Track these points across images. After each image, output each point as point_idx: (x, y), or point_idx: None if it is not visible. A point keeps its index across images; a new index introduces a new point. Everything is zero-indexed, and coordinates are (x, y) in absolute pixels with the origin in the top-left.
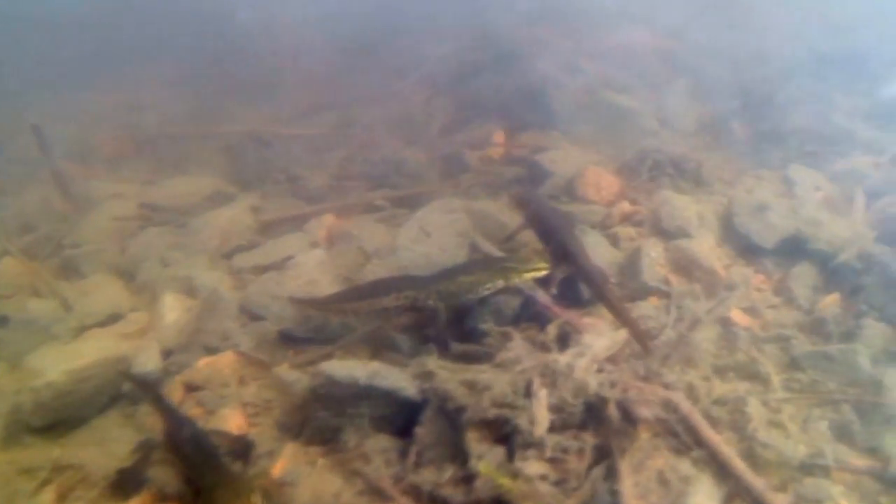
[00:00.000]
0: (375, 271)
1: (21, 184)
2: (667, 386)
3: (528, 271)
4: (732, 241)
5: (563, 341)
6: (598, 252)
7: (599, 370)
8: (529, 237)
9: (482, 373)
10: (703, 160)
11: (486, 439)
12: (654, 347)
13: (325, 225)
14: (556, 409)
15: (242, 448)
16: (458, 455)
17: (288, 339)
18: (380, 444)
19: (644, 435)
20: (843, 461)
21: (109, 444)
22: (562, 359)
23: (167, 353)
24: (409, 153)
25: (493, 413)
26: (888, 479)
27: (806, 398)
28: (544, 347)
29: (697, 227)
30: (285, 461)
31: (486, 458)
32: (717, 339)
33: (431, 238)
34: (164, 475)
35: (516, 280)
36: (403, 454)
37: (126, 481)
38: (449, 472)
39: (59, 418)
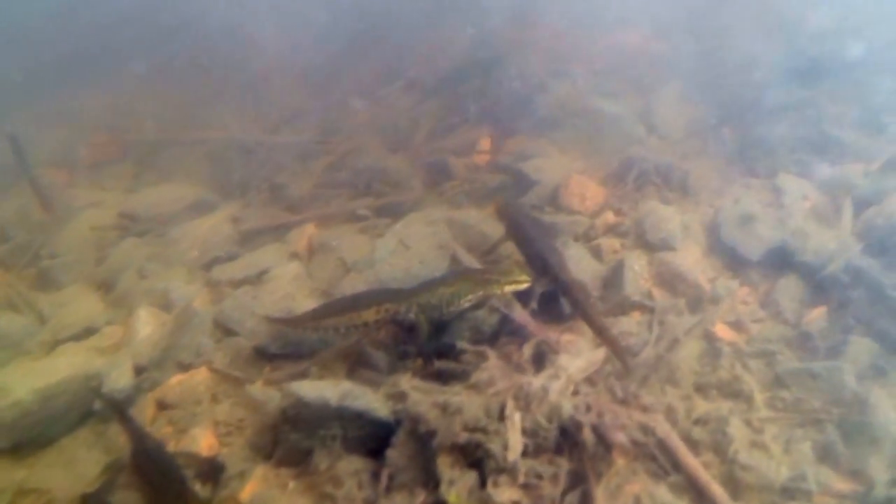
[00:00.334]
0: (354, 285)
1: None
2: (645, 408)
3: (509, 283)
4: (718, 252)
5: (540, 361)
6: (581, 265)
7: (575, 392)
8: (512, 249)
9: (455, 395)
10: (691, 169)
11: (458, 464)
12: (634, 366)
13: (305, 235)
14: (529, 433)
15: (212, 470)
16: (430, 479)
17: (263, 355)
18: (352, 466)
19: (620, 460)
20: (825, 485)
21: (77, 466)
22: (536, 381)
23: (140, 369)
24: (392, 161)
25: (464, 437)
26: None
27: (789, 418)
28: (519, 368)
29: (682, 239)
30: (256, 484)
31: (456, 485)
32: (701, 355)
33: (411, 250)
34: (129, 500)
35: (497, 291)
36: (376, 476)
37: None
38: (420, 497)
39: (26, 438)
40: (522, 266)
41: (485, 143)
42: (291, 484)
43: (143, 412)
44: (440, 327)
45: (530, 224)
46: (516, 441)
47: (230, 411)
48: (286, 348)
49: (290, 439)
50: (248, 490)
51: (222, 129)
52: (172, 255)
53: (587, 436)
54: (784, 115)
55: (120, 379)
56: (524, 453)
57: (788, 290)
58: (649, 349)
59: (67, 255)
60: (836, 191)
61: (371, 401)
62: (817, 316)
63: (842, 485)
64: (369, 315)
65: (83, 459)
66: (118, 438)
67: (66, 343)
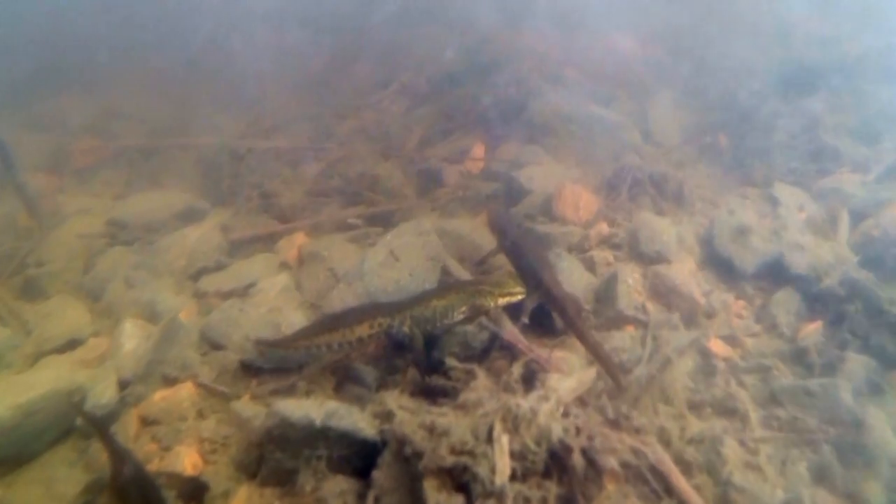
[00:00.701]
0: (343, 297)
1: None
2: (637, 430)
3: (503, 295)
4: (713, 264)
5: (530, 381)
6: (574, 278)
7: (565, 414)
8: (504, 260)
9: (442, 415)
10: (686, 178)
11: (444, 487)
12: (626, 384)
13: (295, 244)
14: (518, 456)
15: (196, 490)
16: (417, 502)
17: (250, 369)
18: (338, 487)
19: (610, 485)
20: None
21: (56, 485)
22: (524, 403)
23: (124, 383)
24: (384, 168)
25: (451, 460)
26: None
27: (785, 437)
28: (508, 388)
29: (677, 251)
30: None
31: None
32: (694, 371)
33: (401, 262)
34: None
35: (491, 303)
36: (362, 498)
37: None
38: None
39: (4, 455)
40: (516, 277)
41: (478, 150)
42: None
43: (127, 428)
44: (430, 342)
45: (522, 236)
46: (504, 464)
47: (216, 428)
48: (273, 363)
49: (275, 459)
50: None
51: (213, 134)
52: (160, 264)
53: (577, 460)
54: (780, 122)
55: (103, 394)
56: (512, 477)
57: (784, 303)
58: (642, 366)
59: (54, 264)
60: (833, 201)
61: (357, 420)
62: (813, 330)
63: None
64: (363, 330)
65: (63, 478)
66: (100, 456)
67: (49, 355)
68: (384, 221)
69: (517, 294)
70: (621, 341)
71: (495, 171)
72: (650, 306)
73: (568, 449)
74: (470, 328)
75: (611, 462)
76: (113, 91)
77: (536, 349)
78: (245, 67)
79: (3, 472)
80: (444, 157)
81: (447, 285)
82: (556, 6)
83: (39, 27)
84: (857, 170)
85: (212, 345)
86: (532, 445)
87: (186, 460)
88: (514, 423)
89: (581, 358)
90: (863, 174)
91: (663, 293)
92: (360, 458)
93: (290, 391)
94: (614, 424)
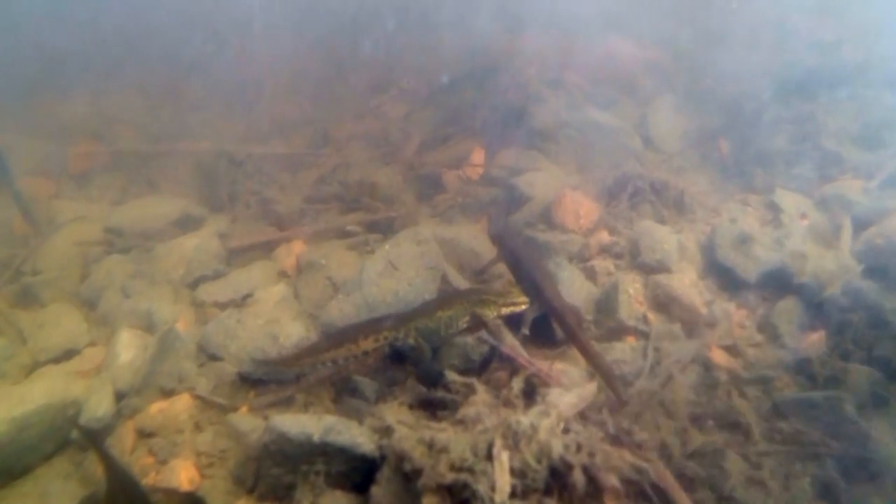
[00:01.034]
0: (341, 307)
1: None
2: (638, 445)
3: (507, 304)
4: (715, 274)
5: (530, 395)
6: (574, 288)
7: (566, 430)
8: (504, 269)
9: (442, 431)
10: (687, 185)
11: None
12: (627, 396)
13: (293, 252)
14: (518, 473)
15: None
16: None
17: (247, 381)
18: (336, 503)
19: (611, 502)
20: None
21: (50, 499)
22: (524, 419)
23: (120, 395)
24: (383, 174)
25: (450, 477)
26: None
27: (788, 451)
28: (508, 403)
29: (678, 260)
30: None
31: None
32: (696, 383)
33: (399, 271)
34: None
35: (495, 313)
36: None
37: None
38: None
39: None
40: (518, 286)
41: (478, 156)
42: None
43: (123, 440)
44: (425, 355)
45: (522, 247)
46: (504, 482)
47: (213, 441)
48: (271, 374)
49: (272, 474)
50: None
51: (212, 139)
52: (157, 272)
53: (577, 477)
54: (782, 128)
55: (99, 406)
56: (512, 494)
57: (786, 313)
58: (643, 379)
59: (50, 272)
60: (835, 208)
61: (355, 435)
62: (816, 340)
63: None
64: (368, 344)
65: (57, 492)
66: (96, 469)
67: (45, 366)
68: (384, 228)
69: (521, 304)
70: (622, 353)
71: (495, 177)
72: (651, 316)
73: (569, 466)
74: (469, 340)
75: (611, 479)
76: (111, 95)
77: (537, 362)
78: (244, 72)
79: None
80: (443, 162)
81: (450, 295)
82: (556, 11)
83: (36, 30)
84: (860, 176)
85: (209, 356)
86: (532, 462)
87: (183, 474)
88: (514, 440)
89: (582, 370)
90: (866, 181)
91: (664, 303)
92: (358, 474)
93: (287, 403)
94: (615, 440)
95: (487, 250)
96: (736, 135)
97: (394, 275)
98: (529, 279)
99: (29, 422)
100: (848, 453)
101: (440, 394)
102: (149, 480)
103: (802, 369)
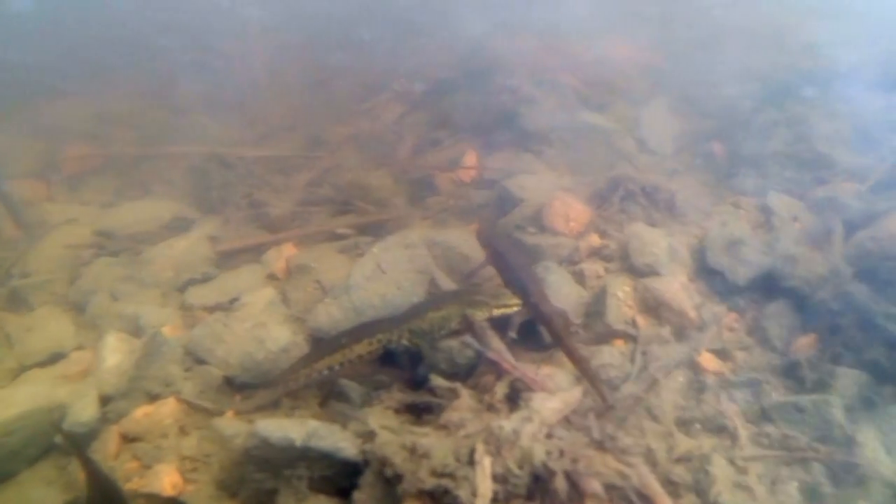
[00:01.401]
0: (328, 311)
1: None
2: (623, 451)
3: (498, 306)
4: (705, 277)
5: (514, 400)
6: (563, 292)
7: (549, 436)
8: (493, 272)
9: (424, 436)
10: (678, 188)
11: None
12: (613, 401)
13: (283, 255)
14: (500, 479)
15: None
16: None
17: (234, 385)
18: None
19: None
20: None
21: None
22: (507, 424)
23: (106, 399)
24: (375, 176)
25: (431, 483)
26: None
27: (775, 455)
28: (492, 408)
29: (668, 263)
30: None
31: None
32: (684, 387)
33: (388, 275)
34: None
35: (486, 314)
36: None
37: None
38: None
39: None
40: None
41: (470, 158)
42: None
43: (108, 445)
44: (415, 358)
45: (511, 250)
46: (486, 488)
47: (198, 445)
48: (257, 378)
49: (255, 479)
50: None
51: (204, 141)
52: (147, 276)
53: (559, 483)
54: (775, 130)
55: (84, 411)
56: (494, 500)
57: (776, 316)
58: (630, 384)
59: (39, 275)
60: (827, 211)
61: (338, 440)
62: (806, 344)
63: None
64: (362, 348)
65: (39, 498)
66: (79, 475)
67: (32, 369)
68: (375, 231)
69: (513, 306)
70: (610, 357)
71: (487, 180)
72: (640, 320)
73: (551, 472)
74: (455, 344)
75: (594, 485)
76: (105, 98)
77: (522, 367)
78: (238, 75)
79: None
80: (435, 165)
81: (442, 296)
82: (549, 13)
83: (30, 31)
84: (853, 179)
85: (196, 360)
86: (514, 468)
87: (166, 479)
88: (496, 445)
89: (569, 374)
90: (858, 184)
91: (654, 306)
92: (342, 479)
93: (274, 408)
94: (599, 446)
95: (478, 253)
96: (729, 137)
97: (382, 278)
98: (517, 282)
99: (13, 427)
100: (835, 458)
101: (426, 398)
102: (132, 485)
103: (792, 373)
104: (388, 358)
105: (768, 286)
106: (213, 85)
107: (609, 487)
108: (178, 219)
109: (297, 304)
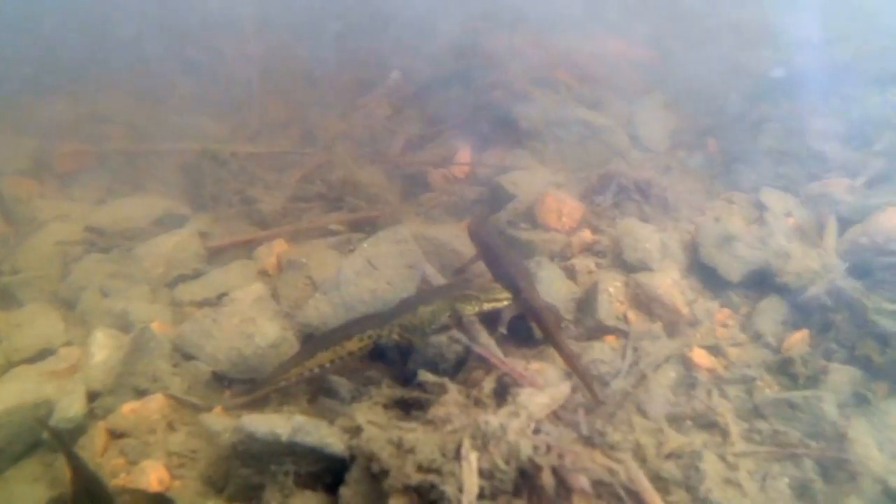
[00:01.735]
0: (318, 307)
1: None
2: (611, 447)
3: (489, 301)
4: (697, 273)
5: (502, 395)
6: (554, 287)
7: (537, 431)
8: (484, 268)
9: (411, 431)
10: (672, 184)
11: None
12: (603, 397)
13: (274, 252)
14: (486, 474)
15: None
16: None
17: (223, 380)
18: (305, 503)
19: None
20: None
21: (16, 502)
22: (494, 419)
23: (94, 395)
24: (368, 172)
25: (416, 479)
26: None
27: (766, 452)
28: (479, 403)
29: (661, 259)
30: None
31: None
32: (676, 383)
33: (378, 271)
34: None
35: (476, 308)
36: None
37: None
38: None
39: None
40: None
41: (464, 154)
42: None
43: (95, 441)
44: (404, 353)
45: (502, 245)
46: (472, 483)
47: (185, 441)
48: (246, 374)
49: (241, 475)
50: None
51: (197, 138)
52: (137, 272)
53: (546, 479)
54: (769, 126)
55: (70, 407)
56: (480, 496)
57: (770, 312)
58: (620, 380)
59: (29, 271)
60: (821, 207)
61: (325, 435)
62: (799, 340)
63: None
64: (353, 345)
65: (23, 495)
66: (65, 471)
67: (19, 366)
68: (368, 227)
69: (503, 300)
70: (601, 352)
71: (481, 176)
72: (632, 316)
73: (538, 467)
74: (444, 339)
75: (581, 481)
76: (98, 95)
77: (510, 362)
78: (230, 72)
79: None
80: (429, 161)
81: (432, 290)
82: (543, 9)
83: (25, 28)
84: (846, 175)
85: (184, 356)
86: (501, 464)
87: (153, 475)
88: (482, 441)
89: (559, 370)
90: (851, 179)
91: (645, 302)
92: (329, 474)
93: (262, 403)
94: (587, 441)
95: (469, 249)
96: (723, 133)
97: (372, 274)
98: (507, 277)
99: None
100: (826, 454)
101: (415, 393)
102: (119, 481)
103: (784, 369)
104: (377, 354)
105: (761, 282)
106: (206, 82)
107: (597, 483)
108: (170, 215)
109: (288, 300)
